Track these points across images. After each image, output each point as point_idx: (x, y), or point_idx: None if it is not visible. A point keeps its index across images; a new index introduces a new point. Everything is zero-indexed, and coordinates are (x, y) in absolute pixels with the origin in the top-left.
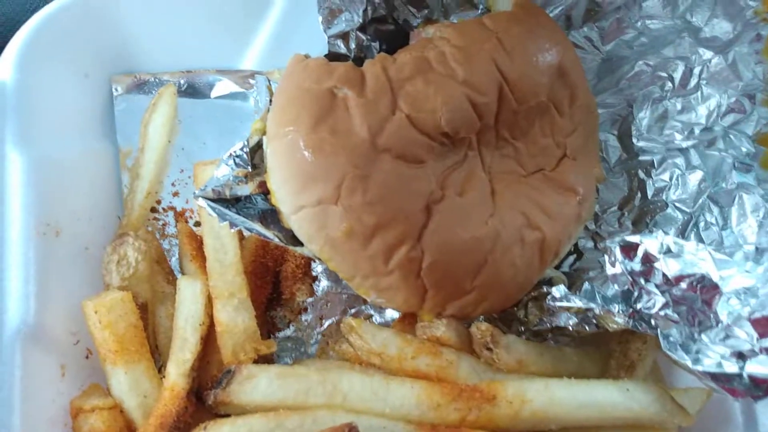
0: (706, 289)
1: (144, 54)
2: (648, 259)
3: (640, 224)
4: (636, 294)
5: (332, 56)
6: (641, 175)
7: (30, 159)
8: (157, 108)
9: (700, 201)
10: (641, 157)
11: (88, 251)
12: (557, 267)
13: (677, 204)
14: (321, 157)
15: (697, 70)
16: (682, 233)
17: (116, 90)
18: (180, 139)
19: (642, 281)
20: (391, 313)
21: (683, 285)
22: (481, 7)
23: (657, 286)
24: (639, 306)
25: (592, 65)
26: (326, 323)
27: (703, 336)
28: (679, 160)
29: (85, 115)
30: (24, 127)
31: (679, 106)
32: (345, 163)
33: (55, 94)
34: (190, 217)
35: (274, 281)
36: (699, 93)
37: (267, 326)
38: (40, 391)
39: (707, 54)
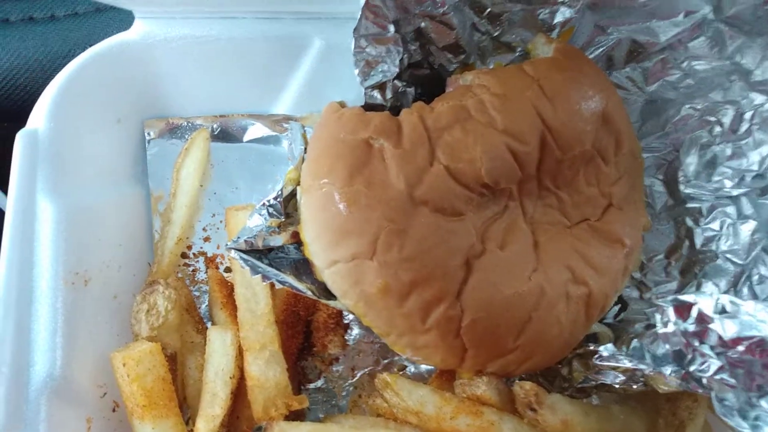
0: (767, 352)
1: (177, 99)
2: (703, 320)
3: (689, 274)
4: (690, 356)
5: (368, 107)
6: (689, 222)
7: (61, 208)
8: (189, 152)
9: (754, 253)
10: (689, 204)
11: (116, 300)
12: (601, 320)
13: (728, 255)
14: (356, 211)
15: (748, 115)
16: (734, 286)
17: (149, 134)
18: (212, 184)
19: (696, 343)
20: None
21: (741, 348)
22: (519, 50)
23: (712, 348)
24: (692, 368)
25: (636, 107)
26: (358, 374)
27: (762, 402)
28: (730, 209)
29: (118, 160)
30: (55, 175)
31: (728, 152)
32: (381, 217)
33: (87, 140)
34: (221, 263)
35: (305, 331)
36: (751, 138)
37: (297, 377)
38: None
39: (759, 98)
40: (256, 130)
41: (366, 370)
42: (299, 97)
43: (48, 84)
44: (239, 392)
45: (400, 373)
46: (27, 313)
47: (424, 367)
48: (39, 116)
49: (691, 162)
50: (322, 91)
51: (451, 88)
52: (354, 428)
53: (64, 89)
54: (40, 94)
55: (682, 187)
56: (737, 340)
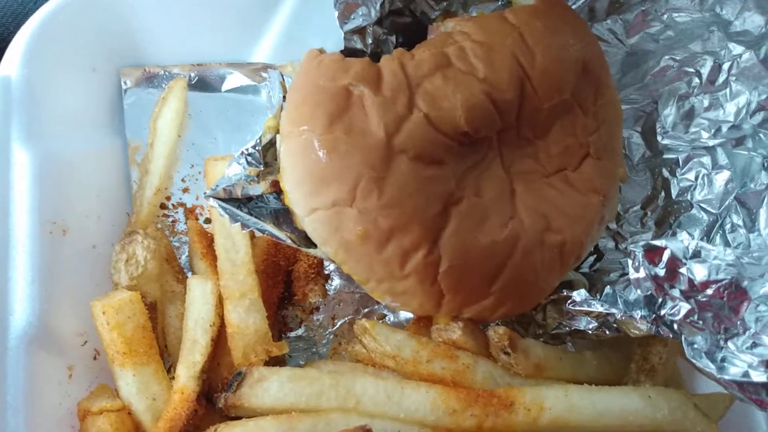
0: (734, 295)
1: (153, 46)
2: (673, 264)
3: (664, 225)
4: (660, 300)
5: (348, 52)
6: (665, 173)
7: (36, 156)
8: (166, 102)
9: (727, 202)
10: (666, 156)
11: (95, 250)
12: (577, 268)
13: (702, 204)
14: (336, 158)
15: (726, 66)
16: (707, 235)
17: (125, 83)
18: (190, 134)
19: (666, 287)
20: (405, 313)
21: (709, 291)
22: None
23: (682, 292)
24: (663, 312)
25: (616, 59)
26: (338, 323)
27: (729, 344)
28: (705, 159)
29: (93, 109)
30: (30, 123)
31: (706, 103)
32: (360, 165)
33: (62, 89)
34: (201, 214)
35: (285, 280)
36: (728, 90)
37: (278, 326)
38: (46, 393)
39: (737, 49)
40: (235, 79)
41: (346, 319)
42: (278, 45)
43: (18, 30)
44: (220, 340)
45: (380, 321)
46: (4, 261)
47: (403, 316)
48: (11, 63)
49: (669, 113)
50: (302, 38)
51: (433, 36)
52: (333, 373)
53: (36, 36)
54: (10, 41)
55: (659, 138)
56: (706, 284)
